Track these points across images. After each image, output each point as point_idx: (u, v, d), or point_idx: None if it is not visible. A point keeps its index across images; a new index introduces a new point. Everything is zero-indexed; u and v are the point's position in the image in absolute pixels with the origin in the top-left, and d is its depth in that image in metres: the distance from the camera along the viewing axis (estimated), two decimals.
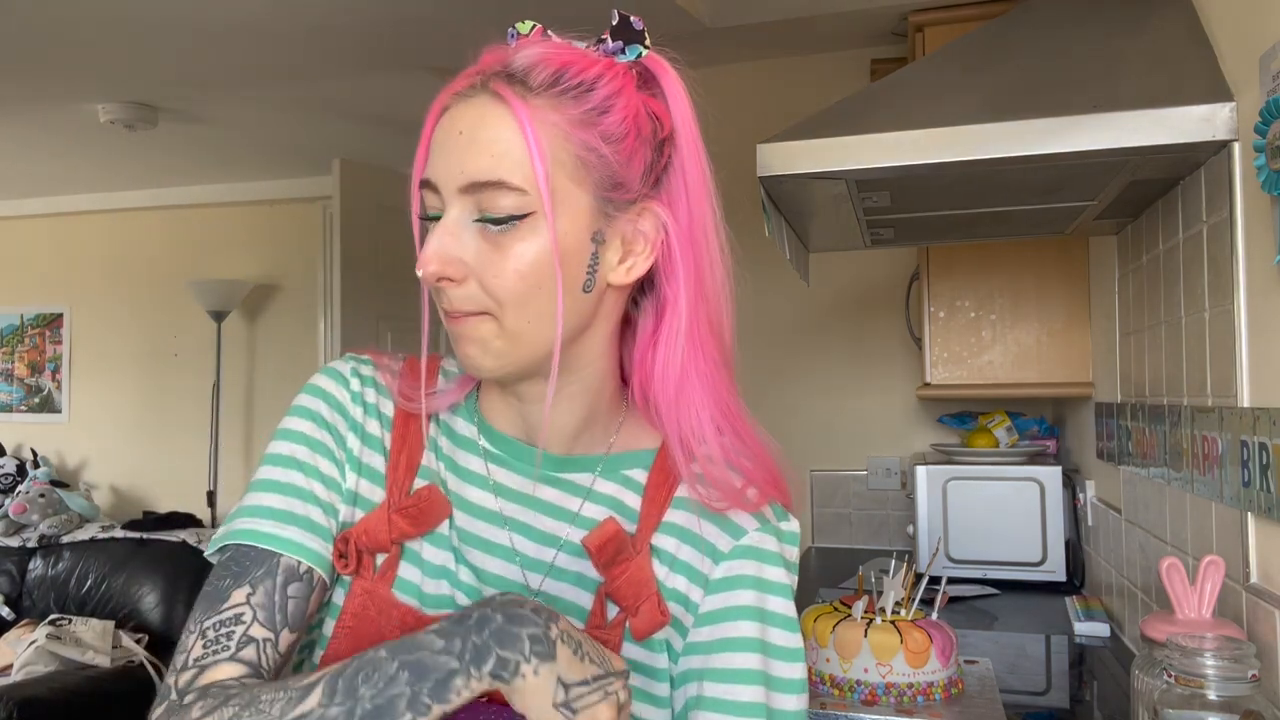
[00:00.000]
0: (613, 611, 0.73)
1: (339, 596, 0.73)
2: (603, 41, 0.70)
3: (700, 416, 0.74)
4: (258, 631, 0.66)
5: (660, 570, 0.74)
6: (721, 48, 2.83)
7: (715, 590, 0.74)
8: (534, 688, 0.58)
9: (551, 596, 0.73)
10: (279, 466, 0.72)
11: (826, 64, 2.89)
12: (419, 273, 0.66)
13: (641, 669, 0.73)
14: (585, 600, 0.73)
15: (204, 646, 0.65)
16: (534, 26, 0.70)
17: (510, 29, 0.70)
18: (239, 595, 0.66)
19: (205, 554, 0.71)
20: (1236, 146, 1.14)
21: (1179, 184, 1.37)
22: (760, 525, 0.76)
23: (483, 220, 0.66)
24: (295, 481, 0.71)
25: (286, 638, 0.67)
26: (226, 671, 0.64)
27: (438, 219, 0.67)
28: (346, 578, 0.72)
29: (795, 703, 0.73)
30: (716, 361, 0.75)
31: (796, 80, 2.92)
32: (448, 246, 0.66)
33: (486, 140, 0.65)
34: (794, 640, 0.74)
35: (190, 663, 0.64)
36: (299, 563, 0.69)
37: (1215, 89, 1.16)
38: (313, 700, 0.58)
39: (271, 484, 0.71)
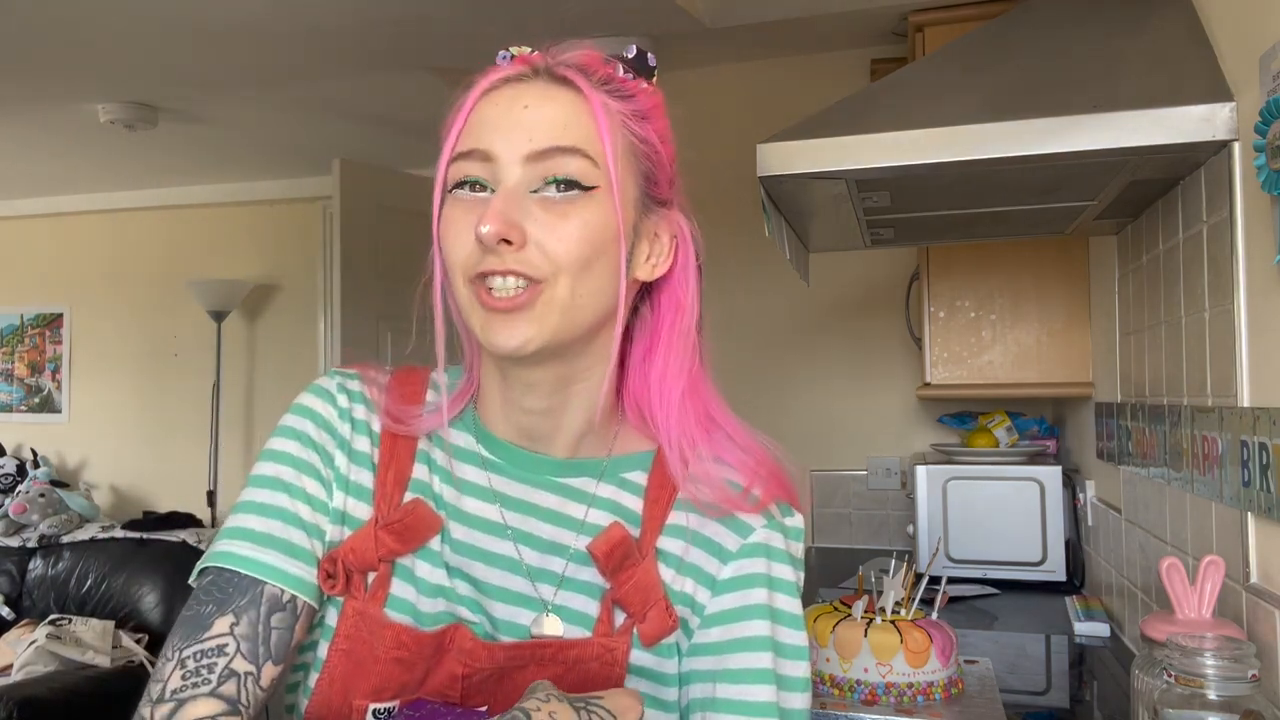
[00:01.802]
0: (620, 618, 0.72)
1: (332, 618, 0.71)
2: (605, 63, 0.72)
3: (696, 422, 0.74)
4: (240, 665, 0.64)
5: (667, 573, 0.74)
6: (721, 48, 2.83)
7: (725, 590, 0.73)
8: None
9: (562, 608, 0.72)
10: (264, 488, 0.71)
11: (826, 64, 2.89)
12: (482, 229, 0.63)
13: (650, 675, 0.72)
14: (592, 608, 0.72)
15: (183, 678, 0.63)
16: (533, 51, 0.72)
17: (503, 52, 0.72)
18: (222, 624, 0.65)
19: (190, 580, 0.70)
20: (1236, 146, 1.14)
21: (1179, 184, 1.37)
22: (767, 522, 0.75)
23: (548, 186, 0.66)
24: (279, 504, 0.70)
25: (270, 670, 0.66)
26: (204, 708, 0.62)
27: (474, 185, 0.67)
28: (339, 598, 0.71)
29: (800, 701, 0.72)
30: (702, 370, 0.76)
31: (796, 80, 2.92)
32: (511, 209, 0.65)
33: (555, 114, 0.67)
34: (800, 638, 0.74)
35: (167, 694, 0.62)
36: (282, 591, 0.67)
37: (1215, 89, 1.16)
38: None
39: (255, 506, 0.70)
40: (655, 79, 0.74)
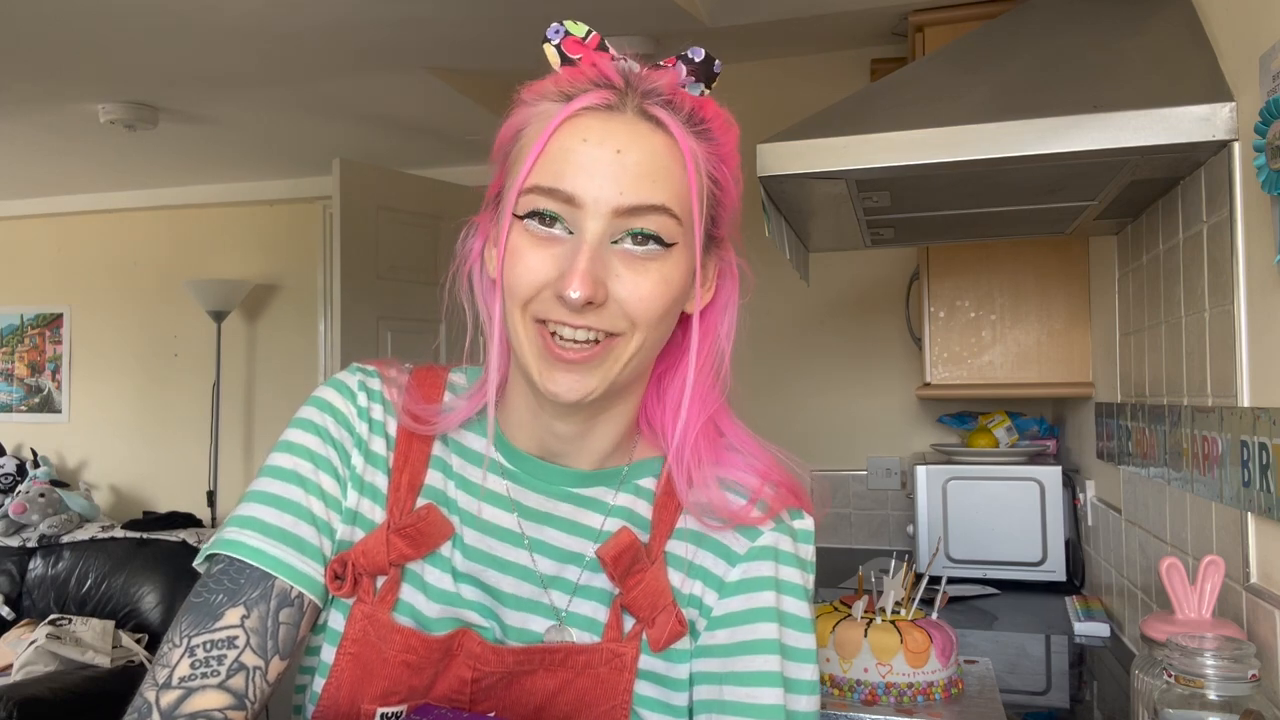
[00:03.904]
0: (629, 623, 0.72)
1: (338, 622, 0.70)
2: (662, 67, 0.69)
3: (705, 438, 0.74)
4: (249, 659, 0.64)
5: (676, 577, 0.74)
6: (721, 48, 2.82)
7: (732, 593, 0.73)
8: None
9: (574, 615, 0.72)
10: (279, 480, 0.70)
11: (826, 64, 2.89)
12: (571, 294, 0.61)
13: (659, 680, 0.72)
14: (602, 614, 0.72)
15: (192, 666, 0.62)
16: (590, 32, 0.68)
17: (556, 26, 0.68)
18: (233, 616, 0.64)
19: (195, 563, 0.69)
20: (1236, 146, 1.14)
21: (1179, 184, 1.37)
22: (775, 525, 0.75)
23: (626, 241, 0.64)
24: (294, 497, 0.69)
25: (276, 666, 0.66)
26: (213, 700, 0.62)
27: (548, 220, 0.64)
28: (345, 602, 0.70)
29: (806, 703, 0.73)
30: (721, 388, 0.75)
31: (796, 80, 2.92)
32: (597, 268, 0.63)
33: (647, 164, 0.64)
34: (807, 641, 0.74)
35: (175, 681, 0.62)
36: (291, 587, 0.67)
37: (1215, 89, 1.16)
38: None
39: (269, 497, 0.69)
40: (715, 85, 0.71)
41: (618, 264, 0.64)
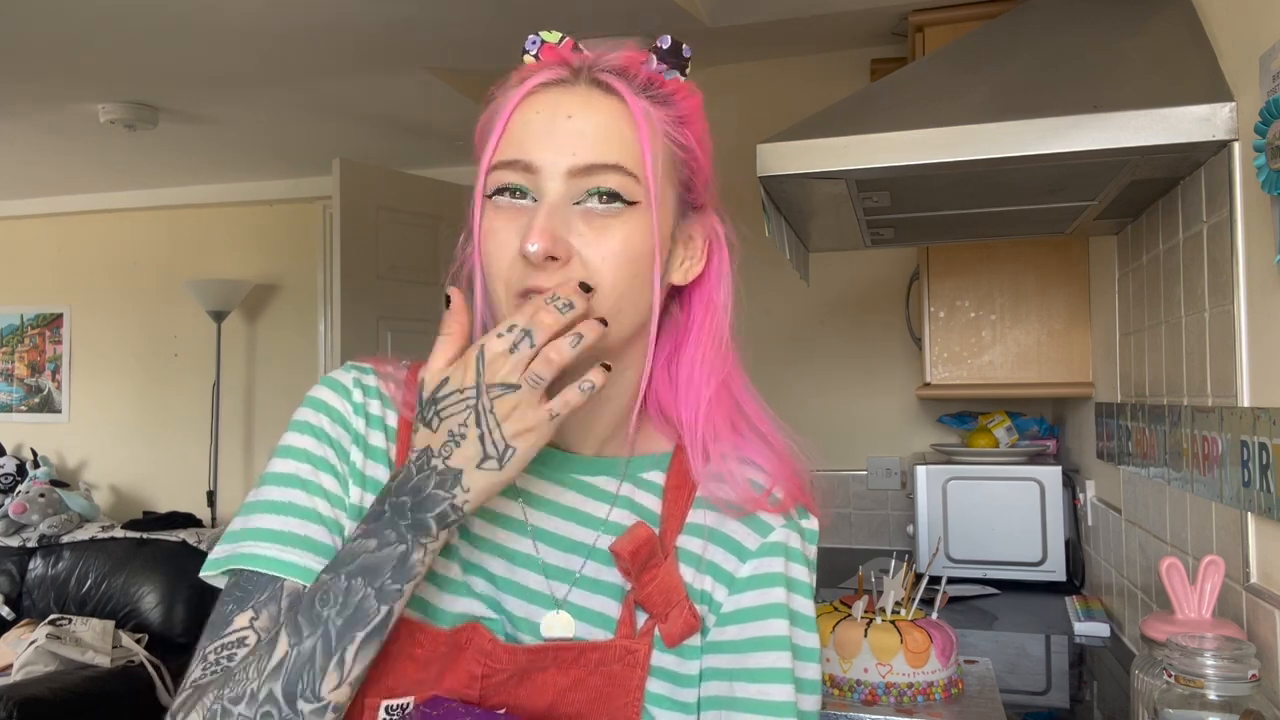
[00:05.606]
0: (641, 619, 0.72)
1: None
2: (643, 63, 0.72)
3: (724, 420, 0.75)
4: None
5: (687, 572, 0.74)
6: (721, 48, 2.83)
7: (743, 588, 0.74)
8: (478, 488, 0.62)
9: (576, 606, 0.72)
10: (280, 486, 0.70)
11: (826, 64, 2.90)
12: (529, 248, 0.63)
13: (670, 676, 0.72)
14: (613, 609, 0.72)
15: (203, 670, 0.64)
16: (564, 38, 0.71)
17: (532, 37, 0.71)
18: (242, 620, 0.65)
19: (201, 573, 0.70)
20: (1236, 146, 1.14)
21: (1179, 184, 1.37)
22: (785, 522, 0.76)
23: (589, 200, 0.66)
24: (297, 501, 0.69)
25: None
26: None
27: (515, 193, 0.67)
28: None
29: (811, 703, 0.73)
30: (733, 364, 0.76)
31: (796, 80, 2.92)
32: (555, 224, 0.65)
33: (599, 126, 0.67)
34: (813, 640, 0.74)
35: (187, 685, 0.64)
36: (303, 586, 0.67)
37: (1215, 89, 1.16)
38: (281, 646, 0.60)
39: (272, 505, 0.69)
40: (688, 70, 0.73)
41: (580, 223, 0.66)
